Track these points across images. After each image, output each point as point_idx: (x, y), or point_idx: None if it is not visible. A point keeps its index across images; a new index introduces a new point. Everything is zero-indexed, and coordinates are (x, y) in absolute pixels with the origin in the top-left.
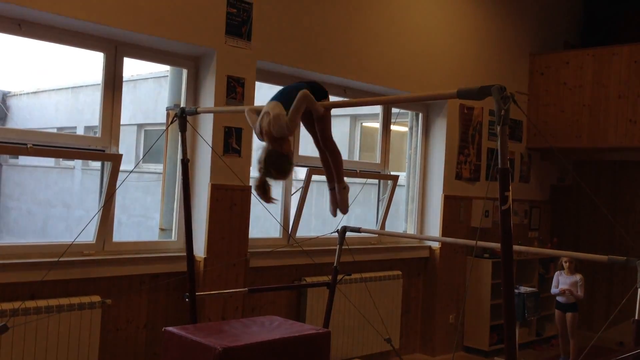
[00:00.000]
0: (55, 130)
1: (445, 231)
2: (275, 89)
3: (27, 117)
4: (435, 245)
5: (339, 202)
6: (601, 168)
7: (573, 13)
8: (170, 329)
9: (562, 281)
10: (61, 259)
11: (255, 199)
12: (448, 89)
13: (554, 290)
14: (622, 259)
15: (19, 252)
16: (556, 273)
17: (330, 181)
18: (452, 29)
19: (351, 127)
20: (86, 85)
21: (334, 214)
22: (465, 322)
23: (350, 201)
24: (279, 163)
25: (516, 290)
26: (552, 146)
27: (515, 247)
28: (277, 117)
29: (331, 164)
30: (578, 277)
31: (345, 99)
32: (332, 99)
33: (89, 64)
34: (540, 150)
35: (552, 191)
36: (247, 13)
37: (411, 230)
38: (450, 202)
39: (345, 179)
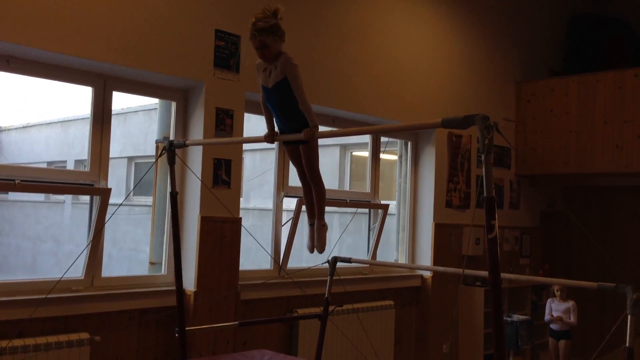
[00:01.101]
0: (45, 165)
1: (437, 259)
2: (263, 120)
3: (16, 152)
4: (427, 274)
5: (317, 240)
6: (590, 194)
7: (557, 41)
8: None
9: (554, 308)
10: (49, 296)
11: (245, 231)
12: (436, 117)
13: (547, 318)
14: (611, 286)
15: (7, 290)
16: (548, 300)
17: (310, 216)
18: (440, 58)
19: (341, 157)
20: (76, 119)
21: (311, 250)
22: (458, 352)
23: (338, 234)
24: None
25: (509, 319)
26: (537, 174)
27: (506, 275)
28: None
29: (314, 198)
30: (570, 303)
31: (333, 129)
32: (321, 128)
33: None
34: (529, 176)
35: (542, 217)
36: (235, 45)
37: (403, 259)
38: (441, 230)
39: (337, 209)
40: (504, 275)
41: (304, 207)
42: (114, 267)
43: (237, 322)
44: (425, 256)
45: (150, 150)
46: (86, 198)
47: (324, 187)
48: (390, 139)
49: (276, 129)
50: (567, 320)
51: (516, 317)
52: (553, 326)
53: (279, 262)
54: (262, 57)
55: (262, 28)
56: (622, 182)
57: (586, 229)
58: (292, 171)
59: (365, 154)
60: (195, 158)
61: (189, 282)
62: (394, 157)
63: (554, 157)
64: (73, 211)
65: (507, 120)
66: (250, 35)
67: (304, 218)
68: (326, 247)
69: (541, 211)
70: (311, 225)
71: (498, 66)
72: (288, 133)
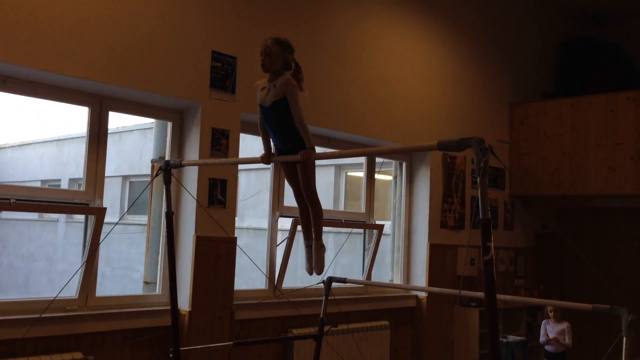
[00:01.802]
0: (39, 183)
1: (432, 280)
2: (259, 140)
3: (11, 170)
4: (422, 294)
5: (315, 261)
6: (584, 215)
7: (549, 64)
8: None
9: (549, 330)
10: (43, 315)
11: (240, 251)
12: (431, 139)
13: (542, 339)
14: (606, 308)
15: (0, 309)
16: (543, 322)
17: (307, 238)
18: (434, 80)
19: (336, 177)
20: (71, 138)
21: (310, 272)
22: None
23: (333, 254)
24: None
25: (504, 340)
26: (531, 195)
27: (501, 296)
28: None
29: (311, 219)
30: (565, 325)
31: (329, 150)
32: (317, 149)
33: (74, 117)
34: (523, 197)
35: (536, 238)
36: (231, 66)
37: (398, 279)
38: (436, 251)
39: (331, 229)
40: (499, 296)
41: (299, 227)
42: (107, 286)
43: (232, 343)
44: (420, 276)
45: (145, 169)
46: (80, 217)
47: (321, 207)
48: (385, 160)
49: (273, 150)
50: (562, 341)
51: (511, 338)
52: (548, 348)
53: (274, 281)
54: (263, 65)
55: (276, 38)
56: (615, 204)
57: (580, 250)
58: (287, 191)
59: (360, 174)
60: (191, 178)
61: (184, 302)
62: (389, 178)
63: (547, 178)
64: (67, 230)
65: (501, 142)
66: (262, 42)
67: (299, 238)
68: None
69: (535, 232)
70: (308, 247)
71: (491, 88)
72: (284, 151)
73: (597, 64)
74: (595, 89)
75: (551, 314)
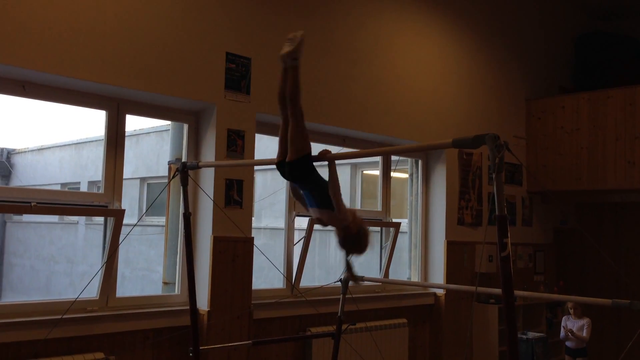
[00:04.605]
0: (59, 187)
1: (450, 277)
2: (275, 140)
3: (31, 174)
4: (440, 291)
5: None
6: (603, 210)
7: (565, 58)
8: None
9: (569, 326)
10: (65, 316)
11: (257, 251)
12: (446, 136)
13: (562, 335)
14: (626, 303)
15: (22, 311)
16: (564, 318)
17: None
18: (449, 77)
19: (352, 175)
20: (89, 141)
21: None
22: None
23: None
24: (356, 244)
25: (524, 336)
26: (549, 191)
27: (520, 292)
28: (335, 219)
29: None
30: (585, 320)
31: (344, 150)
32: (332, 148)
33: (92, 120)
34: (540, 193)
35: (555, 234)
36: (245, 67)
37: (415, 277)
38: (454, 248)
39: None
40: (518, 292)
41: (316, 227)
42: (127, 287)
43: (250, 342)
44: (438, 274)
45: (163, 171)
46: (100, 219)
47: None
48: (401, 158)
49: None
50: (580, 335)
51: (531, 335)
52: (569, 344)
53: (292, 280)
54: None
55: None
56: (634, 198)
57: (599, 245)
58: None
59: (376, 172)
60: (208, 179)
61: (203, 302)
62: (405, 176)
63: (565, 174)
64: (87, 232)
65: (518, 138)
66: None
67: (315, 237)
68: (338, 267)
69: (554, 228)
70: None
71: (508, 84)
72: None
73: (614, 58)
74: (612, 83)
75: (571, 310)
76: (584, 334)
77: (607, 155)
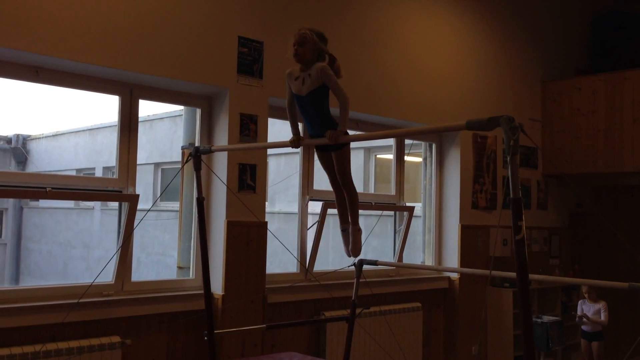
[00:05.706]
0: (74, 172)
1: (464, 261)
2: (287, 124)
3: (46, 160)
4: (455, 275)
5: (352, 244)
6: (619, 193)
7: (582, 40)
8: None
9: (585, 310)
10: (81, 300)
11: (271, 235)
12: (461, 119)
13: (578, 319)
14: None
15: (40, 295)
16: (579, 302)
17: (343, 222)
18: (463, 59)
19: (365, 159)
20: (104, 127)
21: (349, 255)
22: (488, 353)
23: (364, 237)
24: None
25: (539, 320)
26: (565, 174)
27: (535, 276)
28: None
29: (347, 204)
30: (601, 304)
31: (358, 132)
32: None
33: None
34: (556, 176)
35: (571, 218)
36: (258, 52)
37: (429, 261)
38: (468, 232)
39: (362, 211)
40: (532, 276)
41: (329, 210)
42: (142, 271)
43: (264, 325)
44: (452, 258)
45: (176, 156)
46: (115, 204)
47: (356, 192)
48: (415, 141)
49: (301, 133)
50: (597, 319)
51: (546, 318)
52: (584, 327)
53: (306, 265)
54: (295, 54)
55: (312, 28)
56: None
57: (616, 228)
58: (317, 175)
59: (390, 156)
60: (221, 163)
61: (217, 286)
62: (419, 159)
63: (581, 156)
64: (102, 217)
65: (533, 120)
66: (297, 32)
67: (329, 221)
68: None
69: (570, 211)
70: (344, 231)
71: (523, 66)
72: (317, 137)
73: (632, 38)
74: (629, 64)
75: (586, 295)
76: (602, 317)
77: (624, 138)
